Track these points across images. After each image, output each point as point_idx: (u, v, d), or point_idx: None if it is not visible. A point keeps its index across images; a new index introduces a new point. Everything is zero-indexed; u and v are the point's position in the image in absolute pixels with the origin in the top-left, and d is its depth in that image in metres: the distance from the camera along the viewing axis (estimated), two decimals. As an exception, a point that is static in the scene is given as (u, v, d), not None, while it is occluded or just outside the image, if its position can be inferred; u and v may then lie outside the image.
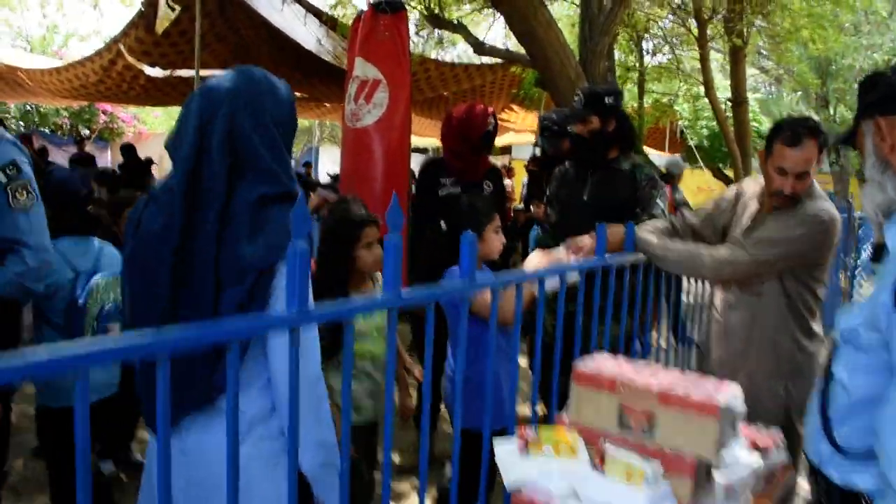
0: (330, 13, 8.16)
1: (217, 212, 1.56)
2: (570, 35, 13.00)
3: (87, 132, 18.51)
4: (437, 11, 7.23)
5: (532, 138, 13.82)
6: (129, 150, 12.46)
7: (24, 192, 2.41)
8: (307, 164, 16.63)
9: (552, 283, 2.15)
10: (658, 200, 3.22)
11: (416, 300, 1.56)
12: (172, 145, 1.65)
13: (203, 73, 8.66)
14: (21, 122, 17.59)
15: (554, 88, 5.29)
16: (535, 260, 2.59)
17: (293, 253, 1.22)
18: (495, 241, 2.80)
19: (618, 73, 8.95)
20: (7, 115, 17.23)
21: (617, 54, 9.67)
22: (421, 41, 9.44)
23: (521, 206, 9.66)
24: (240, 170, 1.61)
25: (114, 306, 2.98)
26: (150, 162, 14.16)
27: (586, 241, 2.64)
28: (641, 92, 11.43)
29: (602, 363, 1.69)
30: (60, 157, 14.40)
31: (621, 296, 2.47)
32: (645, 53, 11.62)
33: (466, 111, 4.16)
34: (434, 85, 10.04)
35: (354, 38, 5.50)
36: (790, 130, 2.48)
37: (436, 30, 8.14)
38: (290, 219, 1.25)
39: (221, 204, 1.56)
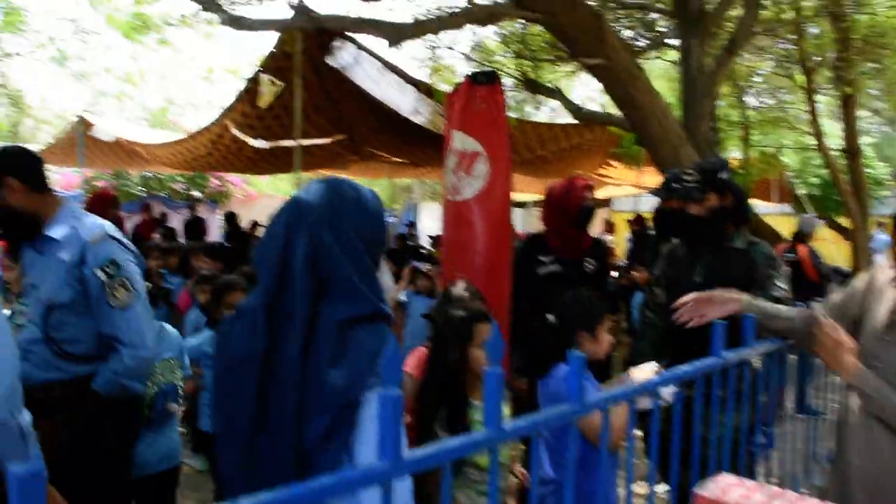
0: (427, 82, 8.30)
1: (301, 335, 1.49)
2: (669, 90, 12.81)
3: (199, 195, 19.38)
4: (531, 76, 7.25)
5: (632, 191, 13.58)
6: (230, 219, 13.02)
7: (123, 290, 2.44)
8: (410, 224, 16.83)
9: (667, 394, 2.03)
10: (778, 282, 3.00)
11: (519, 432, 1.46)
12: (258, 259, 1.61)
13: (303, 142, 9.00)
14: (142, 188, 18.61)
15: (655, 153, 5.15)
16: (647, 371, 2.42)
17: (385, 401, 1.13)
18: (605, 341, 2.67)
19: (720, 128, 8.68)
20: (129, 182, 18.31)
21: (720, 105, 9.40)
22: (516, 103, 9.47)
23: (625, 262, 9.42)
24: (325, 289, 1.54)
25: (171, 387, 3.03)
26: (255, 225, 14.79)
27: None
28: (746, 144, 11.05)
29: (727, 488, 1.55)
30: (176, 220, 15.12)
31: (742, 386, 2.30)
32: (749, 105, 11.26)
33: (564, 186, 4.05)
34: (531, 146, 10.01)
35: (451, 110, 5.52)
36: None
37: (532, 94, 8.15)
38: (377, 342, 1.19)
39: (305, 326, 1.49)
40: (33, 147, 13.58)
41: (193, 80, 29.17)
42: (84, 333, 2.46)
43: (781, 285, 2.97)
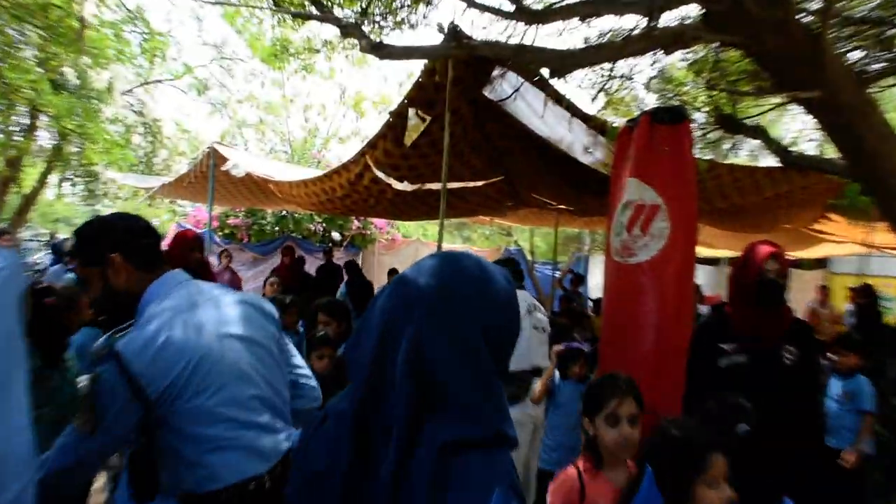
0: (600, 116, 8.08)
1: (396, 456, 1.34)
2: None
3: (339, 237, 19.98)
4: (729, 112, 6.86)
5: (858, 250, 12.61)
6: (352, 269, 13.22)
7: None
8: (577, 278, 16.44)
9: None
10: None
11: None
12: (349, 353, 1.51)
13: (453, 185, 8.99)
14: (277, 227, 19.41)
15: (891, 213, 4.66)
16: None
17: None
18: (711, 501, 2.28)
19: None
20: (264, 220, 19.19)
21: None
22: (709, 145, 9.04)
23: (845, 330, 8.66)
24: (431, 401, 1.37)
25: None
26: (392, 274, 15.02)
27: None
28: None
29: None
30: (312, 264, 15.63)
31: None
32: None
33: (746, 250, 3.65)
34: (727, 193, 9.52)
35: (623, 152, 5.28)
36: None
37: (730, 134, 7.74)
38: (490, 476, 1.01)
39: (401, 447, 1.34)
40: (164, 180, 14.61)
41: (340, 111, 30.38)
42: None
43: None
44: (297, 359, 2.98)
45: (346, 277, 13.22)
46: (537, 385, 5.92)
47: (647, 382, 3.79)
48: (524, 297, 6.70)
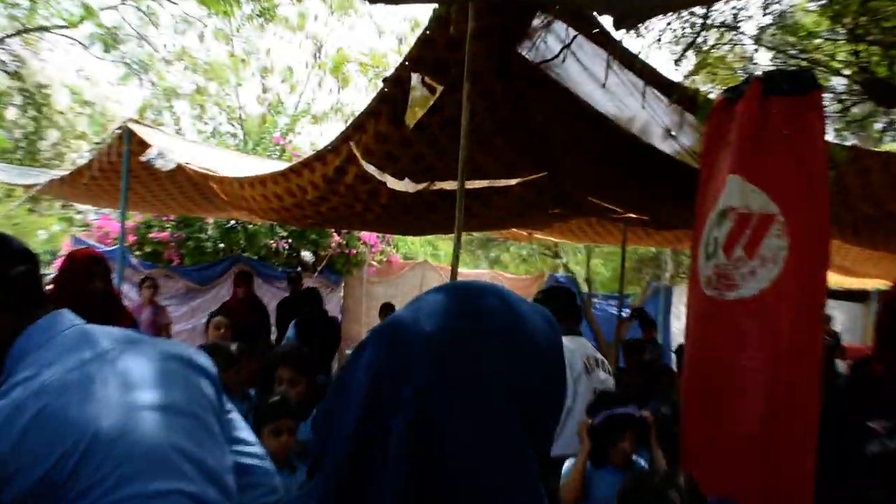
0: (688, 84, 8.06)
1: None
2: None
3: (310, 258, 19.97)
4: (883, 74, 6.82)
5: None
6: (309, 299, 13.15)
7: None
8: (646, 324, 16.17)
9: None
10: None
11: None
12: (318, 430, 1.49)
13: (473, 184, 8.93)
14: (221, 245, 19.39)
15: None
16: None
17: None
18: None
19: None
20: (204, 235, 19.15)
21: None
22: (851, 125, 8.98)
23: None
24: (439, 494, 1.29)
25: None
26: (385, 310, 15.08)
27: None
28: None
29: None
30: (270, 296, 15.59)
31: None
32: None
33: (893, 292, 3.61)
34: (879, 196, 9.42)
35: (720, 137, 5.26)
36: None
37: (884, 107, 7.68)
38: None
39: None
40: (55, 174, 14.58)
41: (314, 77, 30.44)
42: None
43: None
44: (246, 433, 2.90)
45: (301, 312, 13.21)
46: (566, 477, 5.73)
47: (754, 475, 3.74)
48: (580, 347, 6.67)
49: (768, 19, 8.23)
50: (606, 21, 5.61)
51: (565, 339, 6.13)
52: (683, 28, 7.81)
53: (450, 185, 8.73)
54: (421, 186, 8.95)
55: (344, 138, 8.37)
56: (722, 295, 4.93)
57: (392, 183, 8.82)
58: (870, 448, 3.49)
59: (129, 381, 2.43)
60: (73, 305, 4.42)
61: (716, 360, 4.96)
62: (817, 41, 8.61)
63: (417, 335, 1.38)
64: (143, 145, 10.94)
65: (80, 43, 26.72)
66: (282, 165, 10.39)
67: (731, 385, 4.72)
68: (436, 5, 6.67)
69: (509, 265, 31.38)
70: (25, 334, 2.49)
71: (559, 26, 7.21)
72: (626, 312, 17.56)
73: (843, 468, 3.49)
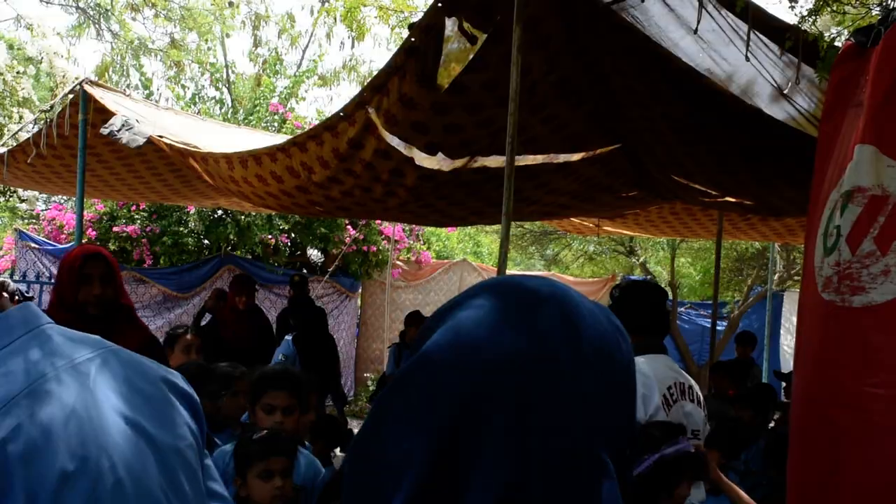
0: (807, 27, 8.02)
1: None
2: None
3: (318, 257, 20.06)
4: None
5: None
6: (298, 298, 13.20)
7: None
8: (747, 340, 16.21)
9: None
10: None
11: None
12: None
13: (525, 160, 8.89)
14: (206, 240, 19.47)
15: None
16: None
17: None
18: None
19: None
20: (183, 228, 19.17)
21: None
22: None
23: None
24: None
25: None
26: (412, 321, 15.13)
27: None
28: None
29: None
30: (269, 304, 15.70)
31: None
32: None
33: None
34: None
35: (844, 95, 5.24)
36: None
37: None
38: None
39: None
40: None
41: (321, 27, 30.55)
42: None
43: None
44: (218, 485, 2.91)
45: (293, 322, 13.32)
46: None
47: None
48: (662, 370, 6.62)
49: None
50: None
51: (640, 360, 6.11)
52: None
53: (495, 162, 8.72)
54: (459, 163, 8.95)
55: (360, 103, 8.35)
56: (845, 301, 4.90)
57: (421, 159, 8.82)
58: None
59: (103, 400, 2.45)
60: (64, 314, 4.53)
61: (836, 385, 4.93)
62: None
63: (503, 361, 1.41)
64: (105, 114, 10.91)
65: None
66: (281, 139, 10.38)
67: (857, 417, 4.68)
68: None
69: (571, 265, 31.43)
70: None
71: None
72: (722, 326, 17.59)
73: None
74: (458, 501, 1.33)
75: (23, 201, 25.08)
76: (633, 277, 22.47)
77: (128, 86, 27.44)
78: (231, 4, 30.92)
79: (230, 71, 31.74)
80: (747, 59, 7.74)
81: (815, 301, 5.08)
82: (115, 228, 18.65)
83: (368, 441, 1.50)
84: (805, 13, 8.02)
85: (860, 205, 4.89)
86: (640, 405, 5.88)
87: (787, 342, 19.29)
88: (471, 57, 7.41)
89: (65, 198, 17.37)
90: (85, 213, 13.48)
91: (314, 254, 19.86)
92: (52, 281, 12.64)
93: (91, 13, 29.93)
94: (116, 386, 2.53)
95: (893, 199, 4.77)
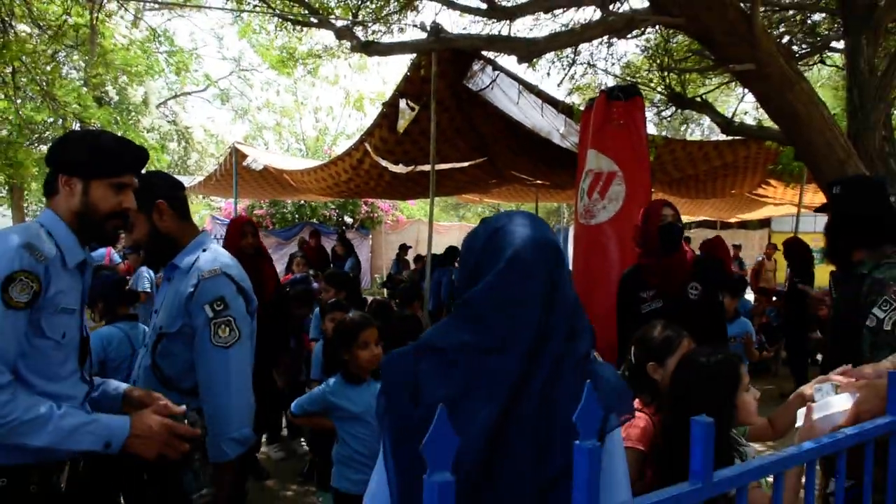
0: (566, 101, 7.98)
1: (548, 371, 1.30)
2: (835, 99, 11.76)
3: (350, 221, 19.91)
4: (679, 90, 6.75)
5: (793, 210, 12.61)
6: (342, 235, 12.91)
7: (227, 328, 2.31)
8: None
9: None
10: (875, 309, 2.48)
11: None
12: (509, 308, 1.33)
13: (441, 167, 8.85)
14: (297, 215, 19.38)
15: (817, 169, 4.54)
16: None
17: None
18: (751, 404, 2.20)
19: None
20: (285, 210, 19.11)
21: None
22: (664, 121, 8.92)
23: (785, 285, 8.61)
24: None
25: None
26: (403, 249, 14.97)
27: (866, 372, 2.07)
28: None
29: None
30: (327, 244, 15.59)
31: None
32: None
33: (643, 210, 3.59)
34: (681, 166, 9.45)
35: (586, 128, 5.20)
36: None
37: (680, 109, 7.62)
38: (615, 375, 1.32)
39: (554, 363, 1.31)
40: (197, 179, 14.50)
41: (346, 111, 30.15)
42: (188, 368, 2.35)
43: (877, 313, 2.47)
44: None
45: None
46: None
47: (611, 330, 3.71)
48: None
49: (613, 61, 8.15)
50: (513, 59, 5.48)
51: None
52: (562, 66, 7.72)
53: (426, 168, 8.66)
54: (409, 169, 8.88)
55: (361, 141, 8.34)
56: (588, 222, 4.90)
57: (392, 167, 8.76)
58: (643, 308, 3.47)
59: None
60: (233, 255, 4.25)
61: (589, 262, 4.95)
62: (643, 72, 8.54)
63: (555, 244, 1.45)
64: (244, 156, 10.81)
65: (208, 100, 26.44)
66: (323, 161, 10.31)
67: (600, 267, 4.74)
68: (412, 55, 6.55)
69: (471, 219, 31.31)
70: (203, 235, 2.59)
71: (488, 68, 7.14)
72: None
73: (629, 323, 3.46)
74: None
75: (212, 201, 24.79)
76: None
77: (257, 145, 26.91)
78: (302, 104, 30.44)
79: (303, 135, 31.21)
80: (542, 116, 7.70)
81: (578, 225, 5.10)
82: (255, 212, 18.51)
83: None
84: (568, 93, 8.01)
85: (592, 176, 4.88)
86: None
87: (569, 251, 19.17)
88: (413, 117, 7.31)
89: (230, 199, 17.09)
90: (239, 205, 13.26)
91: (348, 219, 19.68)
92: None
93: (239, 112, 29.36)
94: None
95: (605, 172, 4.77)
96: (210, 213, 23.44)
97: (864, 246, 2.69)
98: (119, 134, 2.74)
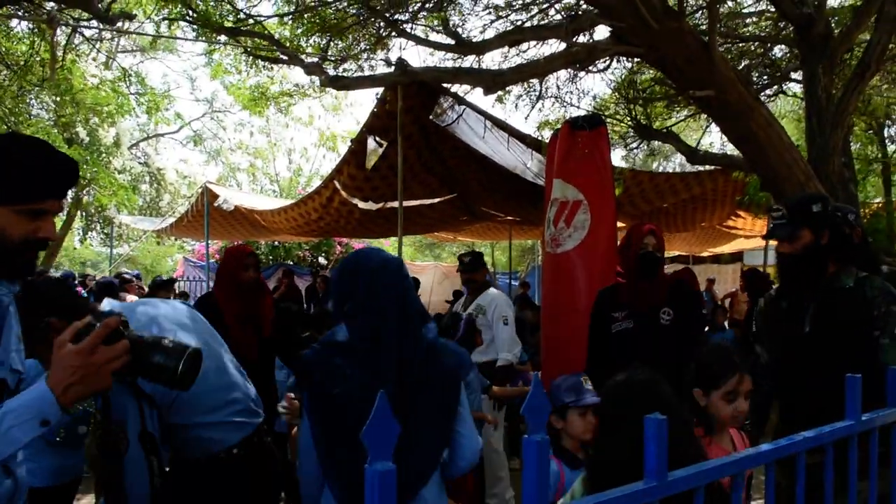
0: (535, 135, 8.05)
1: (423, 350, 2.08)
2: (797, 131, 12.00)
3: (323, 261, 19.79)
4: (644, 122, 6.86)
5: (762, 242, 12.76)
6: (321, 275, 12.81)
7: None
8: (523, 285, 16.36)
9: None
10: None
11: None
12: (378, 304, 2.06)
13: (410, 203, 8.83)
14: (271, 256, 19.23)
15: (779, 193, 4.61)
16: None
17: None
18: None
19: (856, 167, 7.89)
20: (259, 251, 18.96)
21: (854, 146, 8.64)
22: (633, 154, 9.04)
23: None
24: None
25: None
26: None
27: None
28: (888, 186, 10.11)
29: None
30: (302, 284, 15.42)
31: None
32: (888, 141, 10.35)
33: (629, 231, 3.64)
34: (649, 198, 9.53)
35: (552, 158, 5.23)
36: None
37: (646, 141, 7.72)
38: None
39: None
40: (169, 220, 14.39)
41: (320, 152, 30.22)
42: None
43: None
44: None
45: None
46: None
47: (579, 355, 3.70)
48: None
49: (580, 94, 8.25)
50: (488, 101, 5.53)
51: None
52: (530, 98, 7.80)
53: (396, 204, 8.64)
54: (378, 206, 8.83)
55: (330, 179, 8.29)
56: (556, 251, 4.90)
57: (361, 204, 8.71)
58: (614, 327, 3.47)
59: None
60: (231, 288, 4.04)
61: (557, 290, 4.95)
62: (610, 106, 8.66)
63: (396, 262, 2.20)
64: (216, 196, 10.76)
65: (180, 142, 26.40)
66: (293, 201, 10.28)
67: (568, 296, 4.73)
68: (378, 90, 6.58)
69: (446, 259, 31.27)
70: None
71: (455, 104, 7.19)
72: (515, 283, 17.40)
73: (602, 341, 3.49)
74: None
75: (184, 243, 24.52)
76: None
77: (230, 185, 26.82)
78: (275, 145, 30.47)
79: (278, 176, 31.19)
80: (508, 150, 7.75)
81: (545, 254, 5.10)
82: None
83: None
84: (536, 128, 8.09)
85: (557, 205, 4.89)
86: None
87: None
88: (381, 153, 7.32)
89: (202, 240, 16.93)
90: (212, 247, 13.12)
91: (322, 260, 19.56)
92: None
93: (212, 154, 29.28)
94: None
95: (571, 201, 4.78)
96: (183, 255, 23.27)
97: (837, 261, 2.75)
98: (89, 172, 2.56)
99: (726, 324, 10.40)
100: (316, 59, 6.96)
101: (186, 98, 47.74)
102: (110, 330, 1.58)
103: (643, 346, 3.34)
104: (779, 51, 7.94)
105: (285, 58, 7.11)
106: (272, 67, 8.37)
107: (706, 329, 6.34)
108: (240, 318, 3.98)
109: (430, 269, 23.22)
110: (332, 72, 7.09)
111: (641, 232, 3.57)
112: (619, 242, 3.73)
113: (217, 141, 29.38)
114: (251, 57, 7.67)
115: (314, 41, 7.48)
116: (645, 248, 3.50)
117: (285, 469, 3.06)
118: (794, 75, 7.66)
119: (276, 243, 18.89)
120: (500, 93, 7.46)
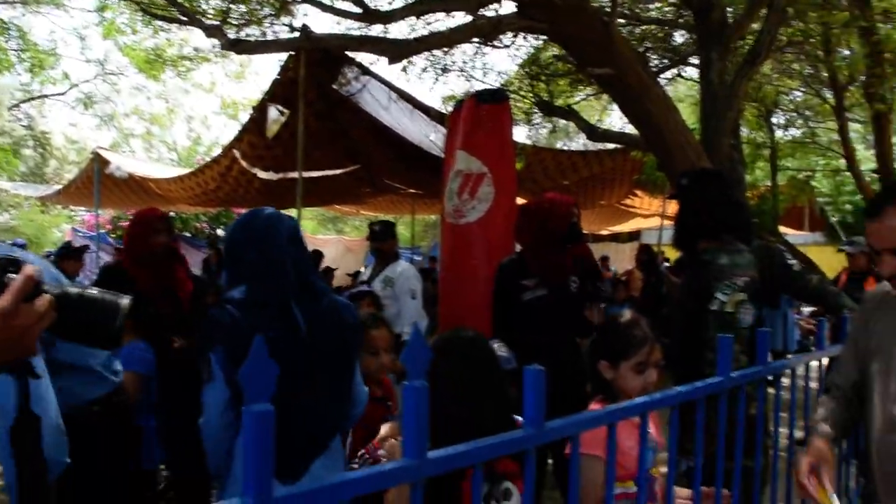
0: (440, 109, 8.07)
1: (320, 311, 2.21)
2: (694, 115, 12.49)
3: (222, 233, 19.36)
4: (547, 98, 6.99)
5: (659, 222, 13.25)
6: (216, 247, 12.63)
7: None
8: (432, 259, 16.49)
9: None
10: (718, 294, 2.77)
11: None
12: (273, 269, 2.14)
13: (311, 174, 8.73)
14: (165, 228, 18.70)
15: (672, 170, 4.82)
16: None
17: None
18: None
19: (746, 151, 8.28)
20: (150, 223, 18.37)
21: (745, 131, 9.05)
22: (536, 131, 9.21)
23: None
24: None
25: None
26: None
27: None
28: (774, 170, 10.66)
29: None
30: (199, 257, 15.08)
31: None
32: (776, 128, 10.89)
33: (549, 202, 3.72)
34: (551, 175, 9.73)
35: (455, 129, 5.28)
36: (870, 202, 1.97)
37: (548, 117, 7.88)
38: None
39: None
40: (55, 187, 13.72)
41: (221, 120, 29.45)
42: None
43: (720, 297, 2.80)
44: None
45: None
46: None
47: (479, 325, 3.77)
48: None
49: (486, 70, 8.33)
50: (393, 71, 5.51)
51: None
52: (435, 71, 7.83)
53: (296, 174, 8.55)
54: (279, 176, 8.70)
55: (229, 147, 8.14)
56: (457, 222, 4.96)
57: (261, 174, 8.57)
58: (525, 296, 3.56)
59: None
60: (142, 256, 3.62)
61: (456, 261, 5.01)
62: (514, 82, 8.77)
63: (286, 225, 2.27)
64: (107, 163, 10.33)
65: (69, 104, 25.16)
66: (190, 169, 10.01)
67: (467, 265, 4.80)
68: (281, 55, 6.47)
69: (350, 233, 31.06)
70: None
71: (359, 73, 7.15)
72: (418, 258, 17.41)
73: (511, 309, 3.58)
74: None
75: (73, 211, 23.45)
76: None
77: (124, 152, 25.75)
78: (173, 112, 29.46)
79: (176, 144, 30.22)
80: (412, 122, 7.76)
81: (445, 224, 5.15)
82: (120, 223, 17.62)
83: None
84: (441, 102, 8.12)
85: (461, 177, 4.95)
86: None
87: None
88: (283, 122, 7.21)
89: (92, 209, 16.27)
90: (103, 216, 12.59)
91: (220, 232, 19.12)
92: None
93: (105, 118, 27.97)
94: None
95: (475, 174, 4.86)
96: (71, 225, 22.27)
97: (708, 235, 2.89)
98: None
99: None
100: (217, 22, 6.76)
101: (76, 58, 45.19)
102: (32, 282, 1.20)
103: (556, 313, 3.48)
104: (679, 36, 8.22)
105: (184, 18, 6.87)
106: (170, 28, 8.07)
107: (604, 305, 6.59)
108: (154, 290, 3.57)
109: (334, 242, 23.02)
110: (233, 35, 6.91)
111: (568, 203, 3.70)
112: (525, 215, 3.78)
113: (110, 105, 28.17)
114: (147, 15, 7.36)
115: (216, 3, 7.27)
116: (574, 217, 3.64)
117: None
118: (692, 60, 7.95)
119: (173, 214, 18.36)
120: (404, 63, 7.44)
